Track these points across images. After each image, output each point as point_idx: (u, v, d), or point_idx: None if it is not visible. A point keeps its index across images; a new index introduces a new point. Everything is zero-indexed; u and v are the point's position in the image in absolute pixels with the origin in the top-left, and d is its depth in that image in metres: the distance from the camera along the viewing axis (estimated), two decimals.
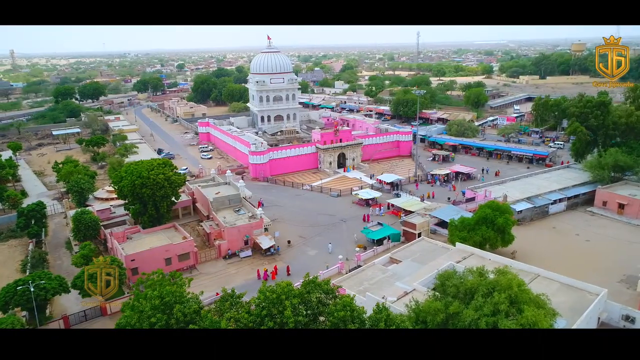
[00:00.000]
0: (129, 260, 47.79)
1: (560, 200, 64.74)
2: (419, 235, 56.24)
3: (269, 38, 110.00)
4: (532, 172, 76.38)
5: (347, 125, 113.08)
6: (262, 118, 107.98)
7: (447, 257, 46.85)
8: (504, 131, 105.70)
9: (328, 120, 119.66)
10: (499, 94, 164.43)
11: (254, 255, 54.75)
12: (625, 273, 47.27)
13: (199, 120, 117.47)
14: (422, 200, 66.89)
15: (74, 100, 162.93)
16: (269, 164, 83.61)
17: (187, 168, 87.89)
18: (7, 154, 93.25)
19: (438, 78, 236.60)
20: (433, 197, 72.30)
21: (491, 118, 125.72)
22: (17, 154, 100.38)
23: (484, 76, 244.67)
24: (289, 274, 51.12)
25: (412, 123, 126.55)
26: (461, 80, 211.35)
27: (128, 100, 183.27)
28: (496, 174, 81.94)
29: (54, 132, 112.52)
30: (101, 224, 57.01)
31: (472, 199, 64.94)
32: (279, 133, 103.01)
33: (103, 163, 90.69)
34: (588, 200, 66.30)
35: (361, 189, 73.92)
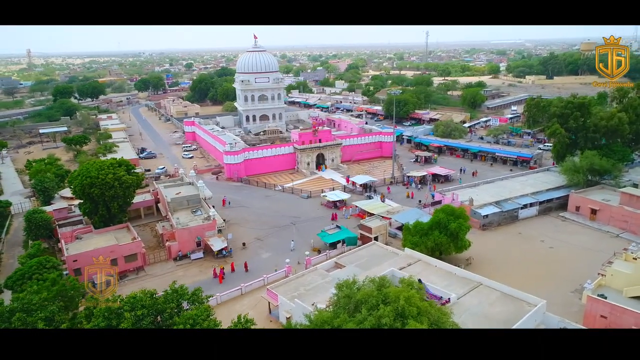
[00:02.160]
0: (71, 261, 47.43)
1: (532, 204, 62.38)
2: (376, 239, 54.75)
3: (255, 37, 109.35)
4: (508, 175, 73.99)
5: (334, 126, 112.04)
6: (247, 117, 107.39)
7: (393, 263, 45.31)
8: (492, 132, 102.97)
9: (316, 120, 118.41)
10: (498, 94, 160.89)
11: (205, 257, 53.89)
12: (582, 283, 44.83)
13: (185, 119, 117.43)
14: (382, 200, 65.52)
15: (72, 98, 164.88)
16: (244, 164, 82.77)
17: (164, 167, 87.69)
18: None
19: (443, 78, 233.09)
20: (412, 197, 70.92)
21: (484, 119, 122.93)
22: (4, 151, 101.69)
23: (490, 76, 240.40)
24: (247, 271, 50.78)
25: (404, 123, 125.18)
26: (464, 80, 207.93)
27: (127, 99, 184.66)
28: (473, 174, 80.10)
29: (41, 131, 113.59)
30: (57, 223, 56.91)
31: (439, 202, 63.00)
32: (262, 133, 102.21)
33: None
34: (562, 205, 63.81)
35: (333, 190, 72.59)
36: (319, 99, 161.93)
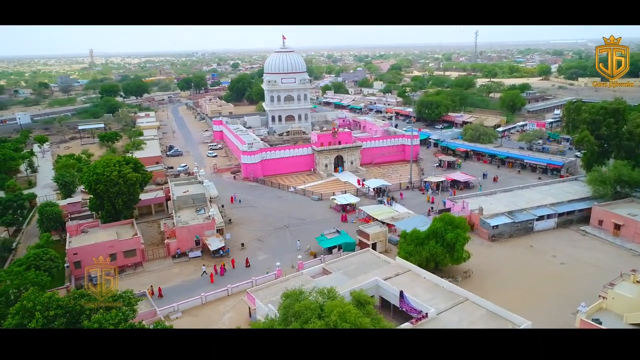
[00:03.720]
0: (71, 254, 49.30)
1: (549, 216, 58.41)
2: (374, 246, 53.24)
3: (284, 38, 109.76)
4: (531, 184, 69.78)
5: (359, 127, 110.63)
6: (273, 118, 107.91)
7: (380, 272, 43.79)
8: (525, 137, 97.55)
9: (344, 121, 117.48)
10: (543, 97, 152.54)
11: (203, 257, 54.43)
12: (586, 304, 41.42)
13: (213, 119, 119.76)
14: (389, 203, 64.15)
15: (118, 97, 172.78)
16: (261, 164, 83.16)
17: (186, 165, 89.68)
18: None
19: (488, 79, 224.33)
20: (432, 202, 68.70)
21: (521, 123, 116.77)
22: (47, 145, 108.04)
23: (540, 78, 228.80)
24: (247, 266, 51.85)
25: (436, 126, 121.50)
26: (509, 82, 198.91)
27: (169, 97, 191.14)
28: (494, 180, 76.58)
29: (80, 127, 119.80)
30: (70, 216, 59.54)
31: (448, 209, 60.32)
32: (285, 133, 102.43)
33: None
34: (585, 218, 59.35)
35: (345, 193, 71.44)
36: (353, 100, 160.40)
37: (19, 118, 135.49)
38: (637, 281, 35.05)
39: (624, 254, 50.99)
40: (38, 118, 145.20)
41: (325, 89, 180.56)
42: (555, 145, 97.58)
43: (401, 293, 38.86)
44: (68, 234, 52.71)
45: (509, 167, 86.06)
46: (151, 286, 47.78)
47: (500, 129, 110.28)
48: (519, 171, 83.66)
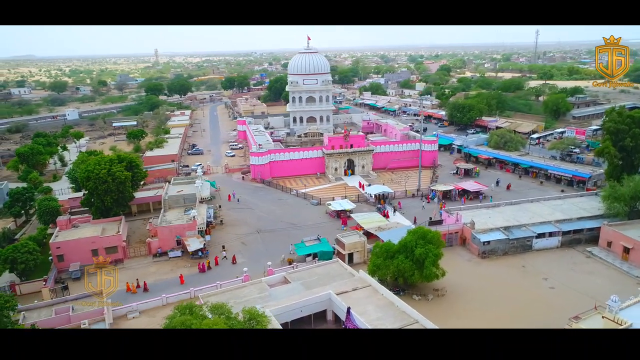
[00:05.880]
0: (54, 247, 51.38)
1: (552, 234, 53.37)
2: (350, 256, 51.19)
3: (308, 38, 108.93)
4: (542, 197, 64.18)
5: (381, 130, 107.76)
6: (295, 119, 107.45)
7: (339, 285, 41.92)
8: (557, 145, 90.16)
9: (368, 123, 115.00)
10: (595, 102, 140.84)
11: (182, 257, 54.86)
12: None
13: (237, 119, 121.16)
14: (384, 207, 62.34)
15: (163, 95, 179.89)
16: (269, 166, 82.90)
17: (200, 164, 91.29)
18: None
19: (544, 81, 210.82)
20: (443, 209, 65.40)
21: (559, 130, 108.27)
22: (84, 141, 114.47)
23: (602, 80, 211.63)
24: (234, 263, 52.81)
25: (468, 131, 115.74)
26: (564, 84, 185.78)
27: (210, 96, 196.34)
28: (508, 187, 72.18)
29: (114, 124, 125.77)
30: (70, 210, 62.31)
31: (440, 221, 56.81)
32: (303, 135, 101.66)
33: (140, 154, 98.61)
34: (595, 237, 53.68)
35: (345, 198, 69.52)
36: (388, 102, 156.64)
37: (68, 114, 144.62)
38: (602, 317, 30.78)
39: (628, 282, 45.36)
40: (86, 114, 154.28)
41: (362, 89, 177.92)
42: (592, 156, 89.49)
43: (348, 310, 36.85)
44: (57, 228, 55.00)
45: (533, 177, 79.99)
46: (137, 280, 49.14)
47: (535, 136, 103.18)
48: (542, 182, 77.50)
